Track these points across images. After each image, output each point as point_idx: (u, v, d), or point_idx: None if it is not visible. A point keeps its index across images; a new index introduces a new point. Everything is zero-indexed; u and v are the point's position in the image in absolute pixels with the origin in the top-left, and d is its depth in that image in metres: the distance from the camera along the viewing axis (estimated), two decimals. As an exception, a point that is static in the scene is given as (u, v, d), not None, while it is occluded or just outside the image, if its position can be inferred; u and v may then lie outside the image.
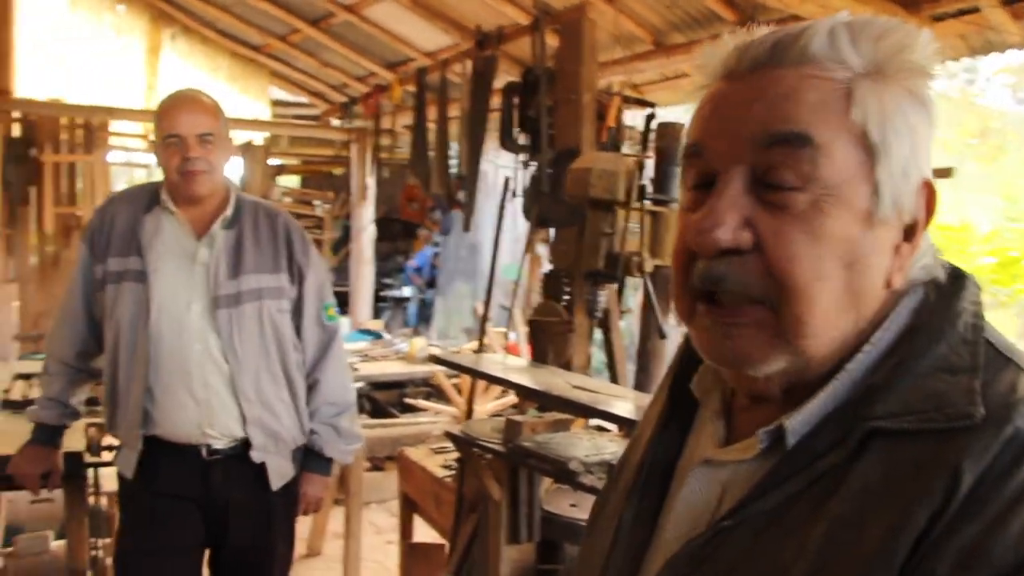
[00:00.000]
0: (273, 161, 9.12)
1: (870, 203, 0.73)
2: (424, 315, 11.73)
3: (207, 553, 2.46)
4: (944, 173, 3.96)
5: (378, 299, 12.56)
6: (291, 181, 10.79)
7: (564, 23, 4.45)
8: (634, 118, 5.04)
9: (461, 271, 10.46)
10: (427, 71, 6.86)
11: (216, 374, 2.30)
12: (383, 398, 6.84)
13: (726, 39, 0.79)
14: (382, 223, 11.17)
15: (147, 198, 2.41)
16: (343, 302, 9.90)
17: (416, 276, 12.01)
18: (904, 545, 0.64)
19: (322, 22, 7.87)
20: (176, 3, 8.93)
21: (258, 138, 8.67)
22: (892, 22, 0.75)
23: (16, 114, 7.75)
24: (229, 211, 2.39)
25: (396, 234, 13.73)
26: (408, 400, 6.32)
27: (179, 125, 2.28)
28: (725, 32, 0.80)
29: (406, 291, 12.56)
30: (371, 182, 8.71)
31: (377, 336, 8.22)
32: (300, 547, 4.67)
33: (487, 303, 3.33)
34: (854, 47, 0.73)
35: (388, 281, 13.10)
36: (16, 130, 7.85)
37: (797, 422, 0.75)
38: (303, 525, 4.91)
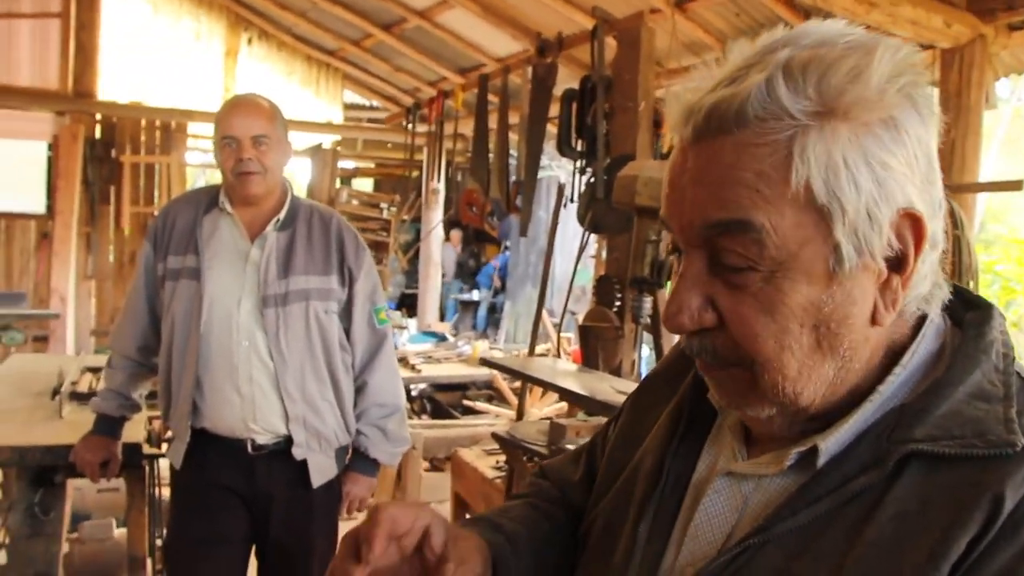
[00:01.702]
0: (347, 164, 9.29)
1: (831, 263, 0.70)
2: (494, 319, 11.81)
3: (254, 547, 2.52)
4: (1015, 186, 3.86)
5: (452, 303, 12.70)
6: (365, 184, 10.97)
7: (622, 31, 4.45)
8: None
9: (531, 276, 10.49)
10: (489, 77, 6.91)
11: (261, 371, 2.35)
12: (444, 399, 6.91)
13: (681, 87, 0.76)
14: (453, 228, 11.29)
15: (207, 199, 2.49)
16: (412, 304, 10.06)
17: (496, 277, 12.10)
18: (943, 570, 0.64)
19: (395, 27, 7.99)
20: (254, 8, 9.16)
21: (327, 141, 8.82)
22: (839, 51, 0.70)
23: (98, 116, 8.05)
24: (283, 213, 2.45)
25: (468, 239, 13.85)
26: (467, 402, 6.36)
27: (234, 127, 2.35)
28: (693, 69, 0.77)
29: (475, 295, 12.65)
30: (440, 186, 8.80)
31: (442, 338, 8.31)
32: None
33: (539, 308, 3.34)
34: (794, 94, 0.68)
35: (462, 286, 13.22)
36: (98, 132, 8.15)
37: (831, 442, 0.74)
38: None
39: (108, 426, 2.56)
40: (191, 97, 8.34)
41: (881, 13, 3.85)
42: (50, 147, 8.18)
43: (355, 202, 8.08)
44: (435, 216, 9.04)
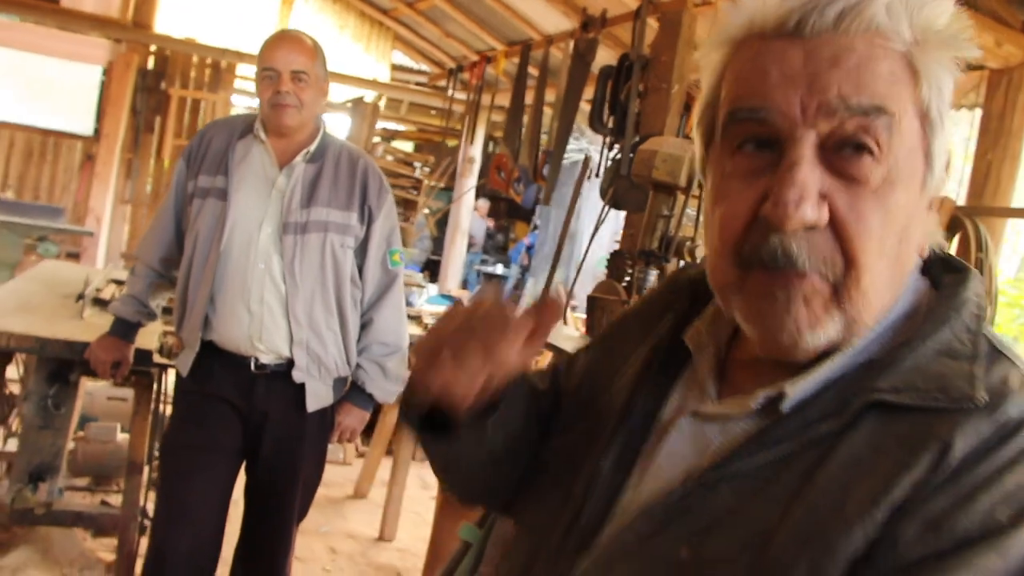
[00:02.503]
0: (389, 125, 9.38)
1: (925, 174, 0.75)
2: (515, 296, 11.88)
3: (245, 463, 2.63)
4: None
5: (476, 274, 12.78)
6: (405, 147, 11.05)
7: (665, 12, 4.49)
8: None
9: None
10: (532, 47, 6.96)
11: (273, 293, 2.47)
12: (453, 361, 7.01)
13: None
14: (490, 200, 11.36)
15: (242, 126, 2.60)
16: (436, 271, 10.17)
17: (526, 255, 12.17)
18: (884, 510, 0.66)
19: (450, -7, 8.05)
20: (315, -41, 9.26)
21: (368, 96, 8.91)
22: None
23: (152, 47, 8.20)
24: (313, 146, 2.55)
25: (501, 213, 13.91)
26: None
27: (276, 60, 2.45)
28: None
29: (499, 268, 12.74)
30: (476, 154, 8.87)
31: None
32: (347, 488, 4.91)
33: (550, 276, 3.42)
34: (907, 19, 0.73)
35: (485, 257, 13.31)
36: (151, 63, 8.31)
37: (799, 388, 0.75)
38: (354, 469, 5.14)
39: (124, 329, 2.69)
40: (243, 39, 8.46)
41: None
42: (104, 72, 8.36)
43: (390, 158, 8.18)
44: (467, 184, 9.13)
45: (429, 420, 0.90)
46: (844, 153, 0.71)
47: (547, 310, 0.78)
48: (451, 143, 9.37)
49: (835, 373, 0.76)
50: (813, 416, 0.74)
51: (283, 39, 2.53)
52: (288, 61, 2.46)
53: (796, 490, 0.71)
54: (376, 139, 8.98)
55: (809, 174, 0.71)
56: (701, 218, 2.95)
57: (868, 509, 0.66)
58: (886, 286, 0.75)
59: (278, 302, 2.47)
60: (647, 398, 0.88)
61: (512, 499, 1.00)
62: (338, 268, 2.53)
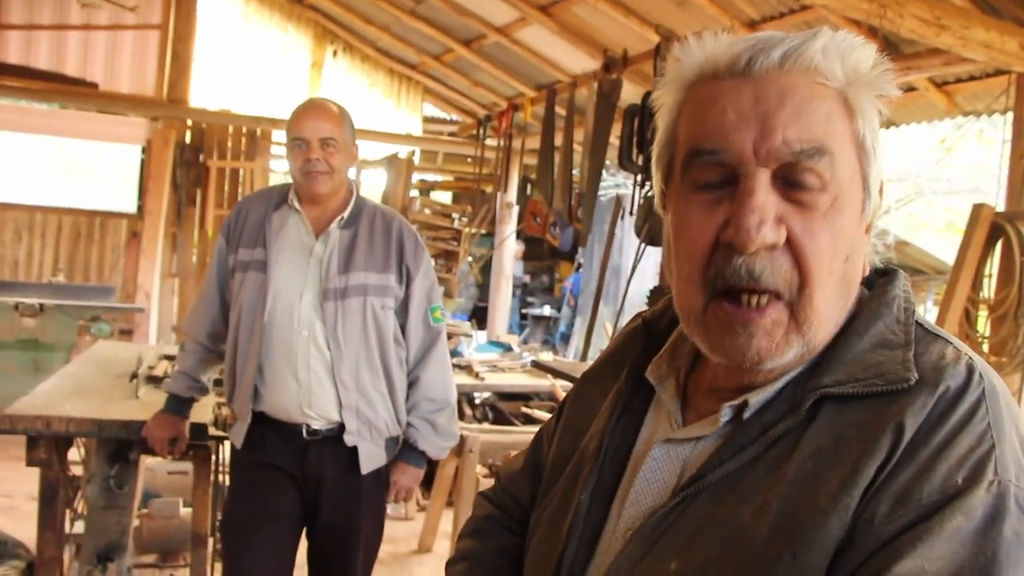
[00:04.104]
0: (425, 176, 9.48)
1: (863, 199, 0.83)
2: (563, 336, 11.88)
3: (305, 529, 2.65)
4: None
5: (521, 316, 12.80)
6: (444, 198, 11.17)
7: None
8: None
9: (604, 293, 10.54)
10: (558, 90, 7.02)
11: (319, 360, 2.49)
12: (506, 408, 6.99)
13: (709, 39, 0.85)
14: (530, 243, 11.40)
15: (277, 197, 2.65)
16: (483, 317, 10.21)
17: (572, 297, 12.18)
18: (855, 496, 0.73)
19: (474, 43, 8.16)
20: (339, 22, 9.47)
21: (403, 151, 9.03)
22: (854, 39, 0.82)
23: (189, 122, 8.41)
24: (347, 212, 2.59)
25: (542, 254, 13.96)
26: (525, 410, 6.44)
27: (304, 129, 2.51)
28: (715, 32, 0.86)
29: (546, 310, 12.74)
30: (513, 199, 8.93)
31: (507, 348, 8.42)
32: (412, 543, 4.90)
33: (593, 314, 3.42)
34: (839, 60, 0.80)
35: (530, 299, 13.33)
36: (188, 137, 8.52)
37: (760, 398, 0.83)
38: (417, 524, 5.13)
39: (177, 405, 2.74)
40: (277, 106, 8.64)
41: (951, 36, 3.80)
42: (143, 150, 8.59)
43: (428, 211, 8.27)
44: (507, 230, 9.18)
45: None
46: (795, 185, 0.79)
47: None
48: (488, 188, 9.45)
49: (790, 379, 0.83)
50: (771, 418, 0.81)
51: (309, 108, 2.58)
52: (316, 129, 2.51)
53: (767, 486, 0.77)
54: (414, 193, 9.09)
55: (766, 200, 0.78)
56: (664, 251, 2.95)
57: (840, 496, 0.73)
58: (835, 303, 0.82)
59: (324, 368, 2.50)
60: (616, 434, 0.94)
61: None
62: (380, 330, 2.56)
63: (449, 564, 1.11)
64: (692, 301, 0.83)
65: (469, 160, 9.95)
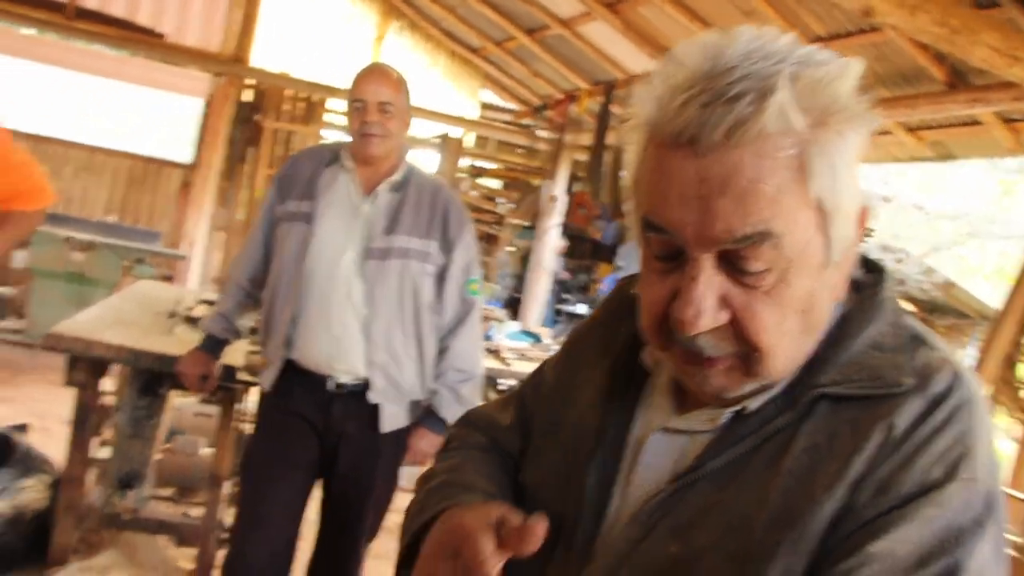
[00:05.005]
0: (477, 163, 9.53)
1: (824, 255, 0.81)
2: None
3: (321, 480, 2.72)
4: None
5: (556, 312, 12.80)
6: (491, 184, 11.21)
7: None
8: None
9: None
10: (615, 85, 7.02)
11: (352, 316, 2.56)
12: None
13: (660, 83, 0.81)
14: (573, 240, 11.40)
15: (330, 154, 2.72)
16: (516, 308, 10.24)
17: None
18: (846, 487, 0.78)
19: (537, 32, 8.19)
20: (408, 0, 9.54)
21: (456, 133, 9.09)
22: (826, 64, 0.78)
23: (249, 81, 8.54)
24: (397, 176, 2.65)
25: (585, 252, 13.94)
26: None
27: (364, 92, 2.57)
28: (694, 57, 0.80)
29: (581, 308, 12.74)
30: (560, 193, 8.95)
31: (537, 339, 8.46)
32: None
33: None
34: (800, 110, 0.76)
35: (566, 296, 13.33)
36: (247, 95, 8.65)
37: (757, 403, 0.86)
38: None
39: (212, 345, 2.82)
40: (336, 75, 8.74)
41: (1023, 68, 3.76)
42: (205, 104, 8.73)
43: (474, 193, 8.33)
44: (551, 222, 9.20)
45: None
46: (738, 266, 0.78)
47: (525, 540, 0.79)
48: (536, 182, 9.48)
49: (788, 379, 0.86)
50: (770, 413, 0.85)
51: (371, 72, 2.64)
52: (375, 93, 2.57)
53: (766, 476, 0.82)
54: (463, 175, 9.15)
55: (705, 289, 0.78)
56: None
57: (833, 488, 0.78)
58: (797, 349, 0.83)
59: (357, 324, 2.56)
60: (616, 417, 0.96)
61: None
62: (417, 294, 2.61)
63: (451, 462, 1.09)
64: (655, 343, 0.87)
65: (520, 151, 9.99)
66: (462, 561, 0.81)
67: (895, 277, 0.93)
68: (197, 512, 3.46)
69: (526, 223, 9.56)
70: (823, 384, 0.83)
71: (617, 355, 1.00)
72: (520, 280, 10.59)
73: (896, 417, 0.79)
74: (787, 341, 0.81)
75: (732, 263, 0.78)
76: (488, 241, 7.96)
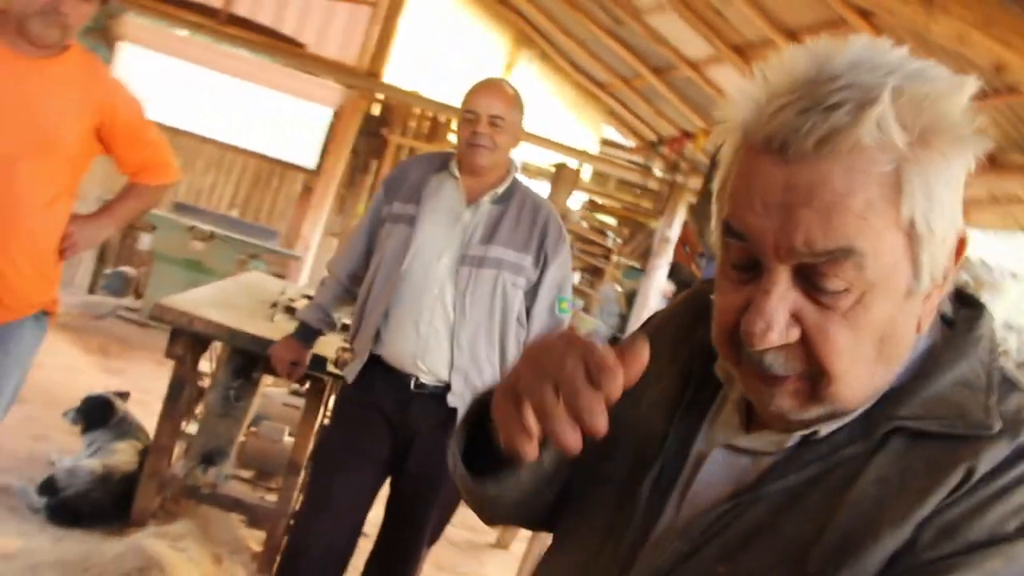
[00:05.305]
0: (595, 199, 9.55)
1: (910, 282, 0.76)
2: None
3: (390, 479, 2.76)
4: None
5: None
6: (607, 221, 11.21)
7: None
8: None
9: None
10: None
11: (442, 319, 2.60)
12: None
13: (768, 79, 0.76)
14: (680, 286, 11.29)
15: (439, 162, 2.79)
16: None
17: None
18: (912, 526, 0.73)
19: (665, 73, 8.19)
20: (540, 30, 9.69)
21: (572, 163, 9.14)
22: (936, 80, 0.74)
23: (379, 96, 8.80)
24: (501, 189, 2.69)
25: (688, 283, 13.81)
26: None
27: (477, 104, 2.63)
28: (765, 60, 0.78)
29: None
30: (673, 234, 8.88)
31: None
32: (491, 537, 4.95)
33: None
34: (901, 125, 0.72)
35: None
36: (376, 109, 8.92)
37: (830, 429, 0.81)
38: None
39: (305, 334, 2.91)
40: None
41: None
42: (334, 113, 9.05)
43: (584, 224, 8.35)
44: (660, 264, 9.14)
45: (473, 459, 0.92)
46: (815, 283, 0.74)
47: (632, 361, 0.72)
48: (653, 224, 9.44)
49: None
50: (841, 441, 0.80)
51: (486, 85, 2.70)
52: (488, 105, 2.62)
53: (828, 506, 0.77)
54: (576, 208, 9.18)
55: (778, 303, 0.75)
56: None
57: (897, 526, 0.73)
58: (871, 378, 0.78)
59: (445, 328, 2.60)
60: (682, 427, 0.92)
61: (548, 518, 1.04)
62: (506, 305, 2.64)
63: None
64: (724, 354, 0.84)
65: (638, 192, 9.97)
66: (571, 367, 0.70)
67: (992, 316, 0.86)
68: (272, 497, 3.55)
69: (633, 263, 9.52)
70: (902, 416, 0.78)
71: (689, 360, 0.96)
72: (624, 320, 10.54)
73: (978, 461, 0.74)
74: (860, 368, 0.76)
75: (810, 279, 0.74)
76: (593, 274, 7.96)
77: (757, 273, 0.77)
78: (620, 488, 0.93)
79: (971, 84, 0.75)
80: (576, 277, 7.90)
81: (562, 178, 7.34)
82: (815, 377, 0.77)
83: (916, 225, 0.74)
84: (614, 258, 8.09)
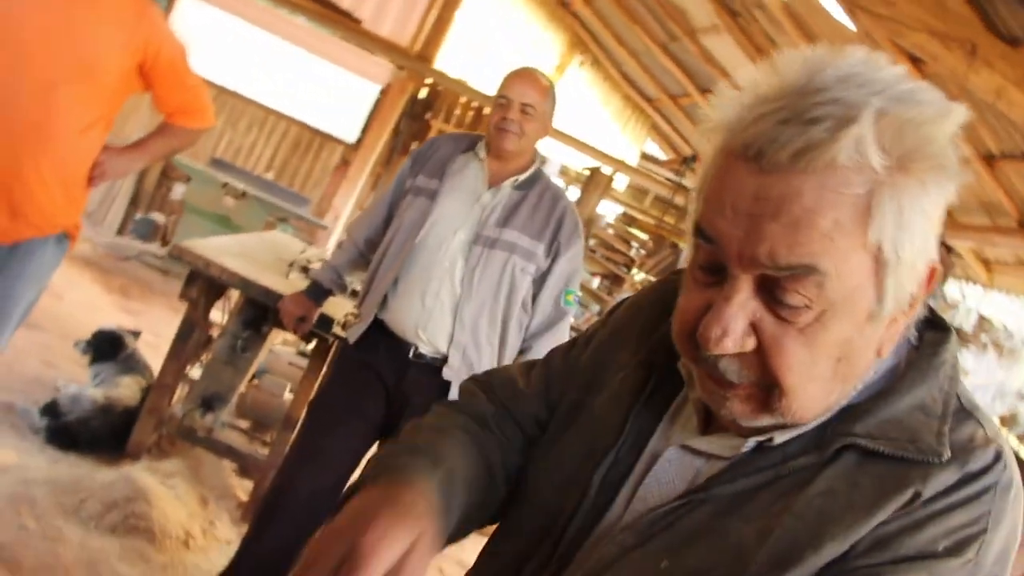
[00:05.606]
0: (626, 211, 9.57)
1: (873, 306, 0.75)
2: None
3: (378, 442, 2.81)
4: None
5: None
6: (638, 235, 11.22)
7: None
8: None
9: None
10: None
11: (448, 293, 2.65)
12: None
13: (757, 84, 0.76)
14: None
15: (467, 142, 2.84)
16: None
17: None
18: (852, 540, 0.75)
19: (712, 94, 8.21)
20: (595, 36, 9.73)
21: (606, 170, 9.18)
22: (924, 104, 0.73)
23: (427, 80, 8.88)
24: (524, 176, 2.74)
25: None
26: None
27: (511, 90, 2.68)
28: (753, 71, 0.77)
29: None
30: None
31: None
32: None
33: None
34: (880, 147, 0.70)
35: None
36: (422, 92, 9.00)
37: (785, 438, 0.82)
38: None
39: (316, 292, 2.97)
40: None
41: None
42: (381, 91, 9.14)
43: (611, 231, 8.38)
44: (681, 282, 9.12)
45: None
46: (776, 296, 0.74)
47: None
48: (680, 243, 9.45)
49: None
50: (793, 451, 0.81)
51: (522, 74, 2.75)
52: (521, 93, 2.67)
53: (773, 513, 0.79)
54: (607, 219, 9.21)
55: (737, 311, 0.75)
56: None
57: (840, 540, 0.75)
58: (824, 395, 0.78)
59: (450, 302, 2.65)
60: (640, 421, 0.92)
61: (499, 511, 1.03)
62: (513, 289, 2.68)
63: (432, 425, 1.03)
64: (683, 351, 0.83)
65: (672, 212, 9.97)
66: (352, 547, 0.76)
67: (958, 340, 0.86)
68: (264, 450, 3.61)
69: (654, 277, 9.53)
70: (856, 434, 0.79)
71: (653, 354, 0.95)
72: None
73: (925, 486, 0.75)
74: (813, 384, 0.77)
75: (771, 291, 0.74)
76: (612, 280, 7.98)
77: (722, 278, 0.77)
78: (570, 475, 0.93)
79: (960, 112, 0.74)
80: (595, 282, 7.92)
81: (594, 182, 7.38)
82: (767, 388, 0.77)
83: (883, 250, 0.73)
84: (634, 269, 8.10)
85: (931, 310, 0.85)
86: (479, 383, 1.13)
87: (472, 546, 3.64)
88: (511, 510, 1.01)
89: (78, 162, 2.50)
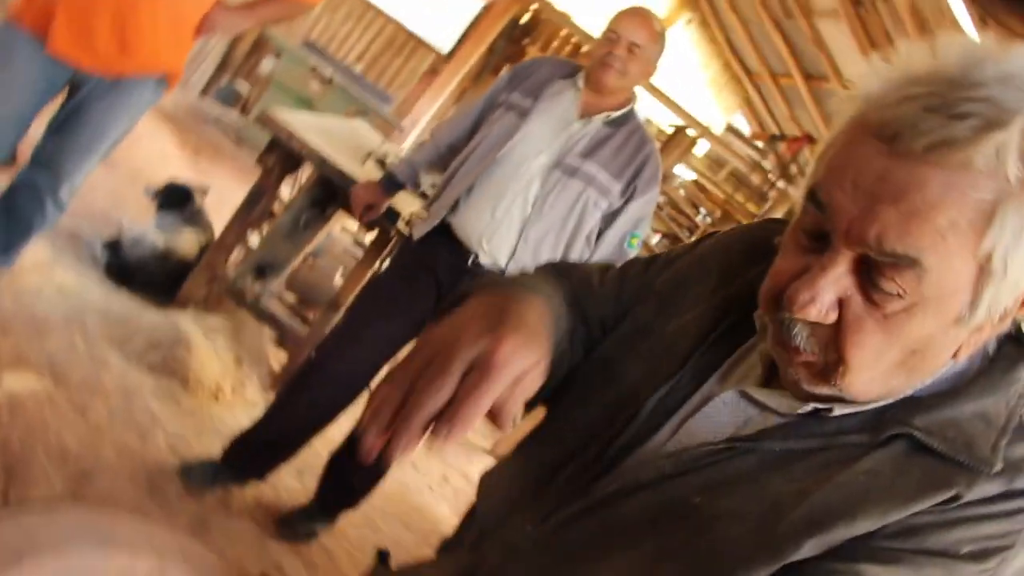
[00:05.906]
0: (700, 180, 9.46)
1: (964, 311, 0.74)
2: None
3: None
4: None
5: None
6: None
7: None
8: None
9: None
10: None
11: (519, 210, 2.66)
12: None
13: (909, 62, 0.73)
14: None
15: (568, 68, 2.82)
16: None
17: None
18: (884, 524, 0.76)
19: (815, 81, 8.04)
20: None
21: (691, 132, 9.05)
22: None
23: (532, 6, 8.77)
24: (616, 114, 2.72)
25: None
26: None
27: (622, 26, 2.66)
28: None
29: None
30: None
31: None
32: (486, 444, 5.06)
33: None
34: (1021, 159, 0.68)
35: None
36: (525, 17, 8.89)
37: (844, 412, 0.82)
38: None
39: (389, 184, 3.00)
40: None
41: None
42: (484, 7, 9.05)
43: (682, 192, 8.30)
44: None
45: None
46: (872, 278, 0.73)
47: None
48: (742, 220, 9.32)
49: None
50: (848, 426, 0.82)
51: (636, 12, 2.72)
52: (631, 31, 2.64)
53: (816, 478, 0.79)
54: (681, 179, 9.12)
55: (830, 284, 0.74)
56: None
57: (875, 519, 0.76)
58: (886, 380, 0.79)
59: (519, 219, 2.66)
60: (704, 358, 0.93)
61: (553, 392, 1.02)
62: (582, 219, 2.68)
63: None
64: (764, 306, 0.83)
65: (745, 192, 9.84)
66: (488, 351, 0.75)
67: None
68: (304, 327, 3.69)
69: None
70: (914, 426, 0.79)
71: (732, 298, 0.95)
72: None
73: (967, 490, 0.76)
74: (878, 369, 0.77)
75: (868, 272, 0.73)
76: (672, 241, 7.93)
77: (824, 246, 0.76)
78: (626, 393, 0.94)
79: None
80: (656, 238, 7.87)
81: (675, 141, 7.29)
82: (830, 362, 0.77)
83: (992, 261, 0.71)
84: (703, 230, 8.03)
85: (1017, 327, 0.84)
86: (559, 269, 1.13)
87: (480, 464, 3.71)
88: (555, 412, 1.03)
89: (192, 9, 2.54)
